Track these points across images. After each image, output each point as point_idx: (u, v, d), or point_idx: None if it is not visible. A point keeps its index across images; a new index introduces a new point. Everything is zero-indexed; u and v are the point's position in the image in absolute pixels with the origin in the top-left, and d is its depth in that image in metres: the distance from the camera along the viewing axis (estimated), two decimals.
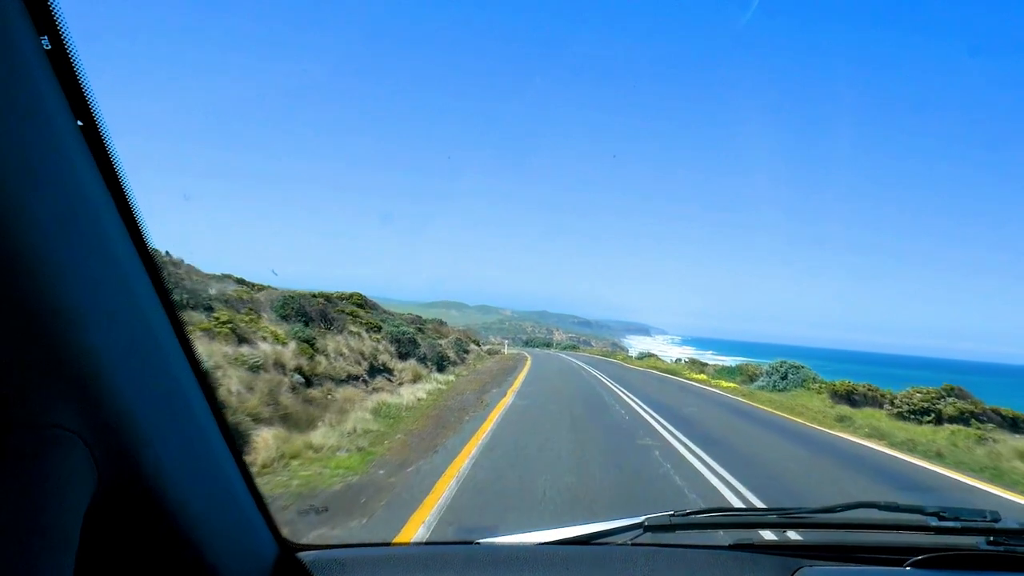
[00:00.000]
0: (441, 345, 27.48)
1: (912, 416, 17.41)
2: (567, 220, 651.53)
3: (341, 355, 14.50)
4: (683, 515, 1.65)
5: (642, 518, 1.64)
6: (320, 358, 13.19)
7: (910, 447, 11.68)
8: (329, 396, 11.81)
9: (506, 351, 47.81)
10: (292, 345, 12.21)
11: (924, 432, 14.29)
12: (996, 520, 1.60)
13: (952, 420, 16.74)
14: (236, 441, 1.08)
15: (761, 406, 18.28)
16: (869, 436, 12.95)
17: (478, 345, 40.79)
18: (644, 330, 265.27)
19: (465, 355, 30.16)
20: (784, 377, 25.70)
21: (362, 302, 29.59)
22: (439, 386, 15.97)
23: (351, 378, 13.98)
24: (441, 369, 21.32)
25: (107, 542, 0.87)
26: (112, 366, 0.75)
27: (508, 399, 13.93)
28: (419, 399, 12.95)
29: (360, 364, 15.16)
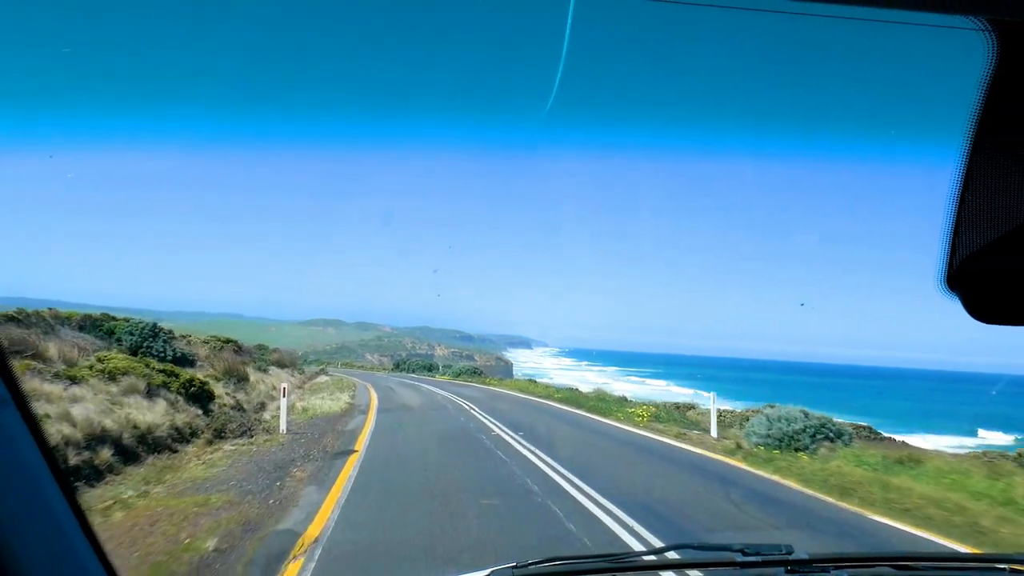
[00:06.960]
0: None
1: None
2: (442, 235, 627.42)
3: None
4: (523, 567, 1.78)
5: (488, 571, 1.75)
6: None
7: None
8: None
9: (281, 430, 13.07)
10: None
11: None
12: (790, 552, 1.85)
13: None
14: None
15: None
16: None
17: (245, 379, 14.80)
18: (525, 343, 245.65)
19: None
20: None
21: None
22: None
23: None
24: None
25: None
26: None
27: None
28: None
29: None
